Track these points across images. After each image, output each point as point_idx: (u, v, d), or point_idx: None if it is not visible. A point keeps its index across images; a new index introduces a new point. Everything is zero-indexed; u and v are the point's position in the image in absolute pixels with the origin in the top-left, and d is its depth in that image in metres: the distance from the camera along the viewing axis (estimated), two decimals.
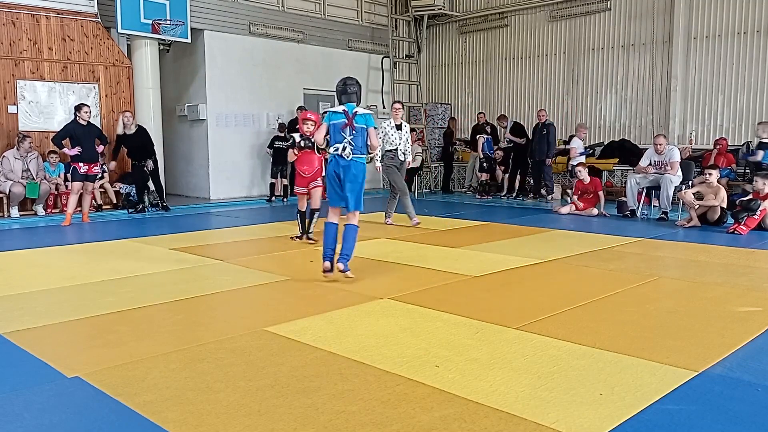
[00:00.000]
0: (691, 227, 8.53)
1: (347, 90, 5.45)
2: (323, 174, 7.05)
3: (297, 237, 7.49)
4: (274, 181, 12.47)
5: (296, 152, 7.01)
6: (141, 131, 10.49)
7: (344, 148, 5.32)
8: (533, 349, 3.63)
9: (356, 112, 5.41)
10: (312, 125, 6.89)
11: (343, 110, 5.40)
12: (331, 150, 5.38)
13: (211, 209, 11.52)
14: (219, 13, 12.50)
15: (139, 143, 10.44)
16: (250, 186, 13.17)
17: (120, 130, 10.35)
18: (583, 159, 11.45)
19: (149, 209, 10.72)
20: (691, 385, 3.11)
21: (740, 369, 3.33)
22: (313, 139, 6.69)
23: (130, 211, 10.54)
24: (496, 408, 2.82)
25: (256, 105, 13.08)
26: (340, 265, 5.31)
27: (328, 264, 5.36)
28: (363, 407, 2.84)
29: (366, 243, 7.33)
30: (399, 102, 8.93)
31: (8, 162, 9.60)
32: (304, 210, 7.37)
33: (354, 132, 5.36)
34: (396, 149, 8.48)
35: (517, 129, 13.13)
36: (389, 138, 8.47)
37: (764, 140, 10.03)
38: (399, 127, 8.53)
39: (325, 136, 5.57)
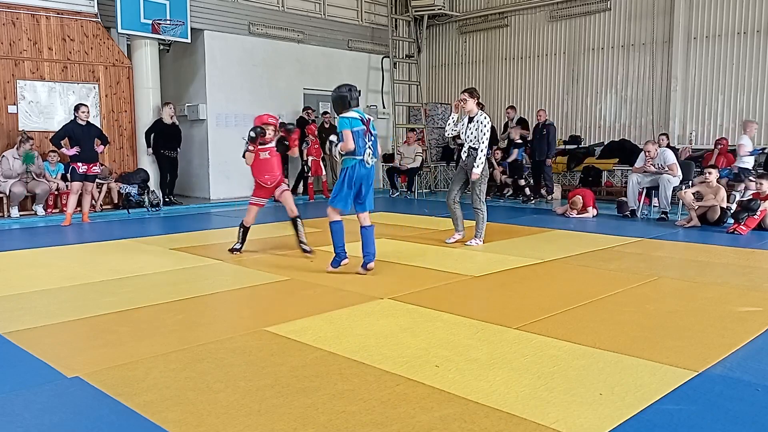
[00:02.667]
0: (691, 227, 8.53)
1: (353, 95, 5.50)
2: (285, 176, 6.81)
3: (236, 249, 6.64)
4: None
5: (252, 148, 6.31)
6: (177, 126, 11.62)
7: (369, 155, 5.50)
8: (533, 349, 3.63)
9: (370, 118, 5.59)
10: (273, 131, 6.40)
11: (360, 117, 5.49)
12: (357, 158, 5.46)
13: (211, 209, 11.52)
14: (219, 13, 12.49)
15: (175, 134, 11.59)
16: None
17: (168, 120, 11.35)
18: (752, 160, 9.94)
19: (149, 209, 10.71)
20: (691, 385, 3.11)
21: (740, 369, 3.33)
22: (260, 129, 6.30)
23: (129, 211, 10.56)
24: (496, 408, 2.82)
25: (256, 105, 13.04)
26: (371, 265, 5.59)
27: (347, 261, 5.62)
28: (363, 407, 2.84)
29: None
30: (465, 91, 7.12)
31: (7, 162, 9.60)
32: (249, 226, 6.68)
33: (372, 137, 5.54)
34: (463, 146, 7.11)
35: (522, 123, 13.11)
36: (461, 133, 7.11)
37: (518, 141, 12.46)
38: (471, 120, 7.02)
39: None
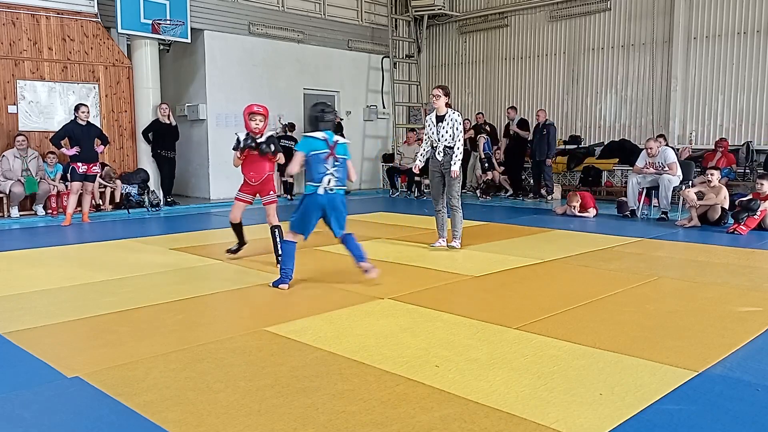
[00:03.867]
0: (691, 227, 8.52)
1: (324, 117, 4.99)
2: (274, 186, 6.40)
3: (232, 250, 6.51)
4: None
5: (240, 155, 5.98)
6: (171, 126, 11.59)
7: (329, 182, 4.97)
8: (533, 349, 3.63)
9: (337, 141, 5.02)
10: (261, 121, 5.98)
11: (324, 138, 4.96)
12: (316, 185, 4.97)
13: (211, 209, 11.51)
14: (219, 13, 12.50)
15: (172, 134, 11.60)
16: None
17: (164, 120, 11.37)
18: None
19: (149, 209, 10.71)
20: (691, 385, 3.11)
21: (740, 369, 3.33)
22: (259, 140, 5.97)
23: (129, 211, 10.56)
24: (496, 408, 2.82)
25: None
26: (365, 264, 5.11)
27: (286, 287, 5.11)
28: (363, 407, 2.84)
29: (366, 243, 7.30)
30: (438, 87, 6.81)
31: (8, 161, 9.60)
32: (238, 222, 6.36)
33: (337, 163, 5.00)
34: (435, 148, 6.86)
35: (523, 124, 13.14)
36: (428, 135, 6.91)
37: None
38: (442, 119, 6.80)
39: (301, 165, 5.06)
